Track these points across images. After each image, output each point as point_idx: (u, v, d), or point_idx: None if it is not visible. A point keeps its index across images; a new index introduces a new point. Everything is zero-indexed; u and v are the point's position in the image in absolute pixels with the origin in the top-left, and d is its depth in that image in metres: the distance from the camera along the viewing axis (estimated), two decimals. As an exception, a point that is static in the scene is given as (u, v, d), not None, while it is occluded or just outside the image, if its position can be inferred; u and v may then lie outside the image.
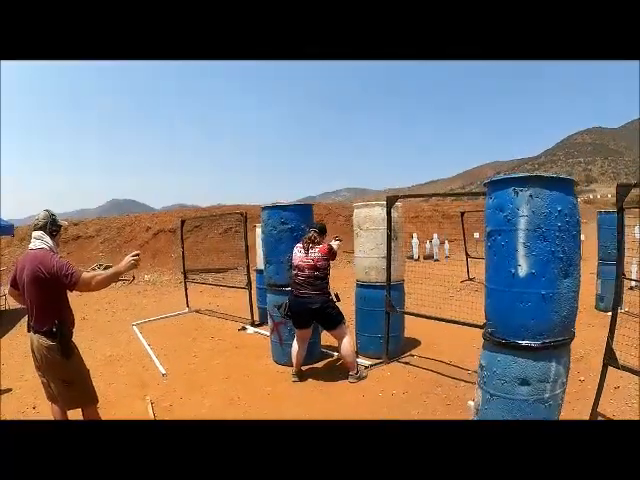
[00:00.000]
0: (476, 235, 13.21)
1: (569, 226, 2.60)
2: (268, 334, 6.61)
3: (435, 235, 18.36)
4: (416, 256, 17.48)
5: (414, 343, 6.00)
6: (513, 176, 2.65)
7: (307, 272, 4.60)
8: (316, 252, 4.63)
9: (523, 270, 2.60)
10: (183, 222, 9.21)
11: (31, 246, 3.06)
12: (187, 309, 8.63)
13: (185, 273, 9.04)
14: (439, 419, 3.86)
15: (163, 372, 5.18)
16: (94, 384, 3.28)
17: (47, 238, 3.07)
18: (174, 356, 5.84)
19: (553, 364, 2.66)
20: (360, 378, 4.77)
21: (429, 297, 5.65)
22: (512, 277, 2.63)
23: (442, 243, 18.35)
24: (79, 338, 6.19)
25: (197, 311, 8.68)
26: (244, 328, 7.23)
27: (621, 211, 3.31)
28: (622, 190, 3.23)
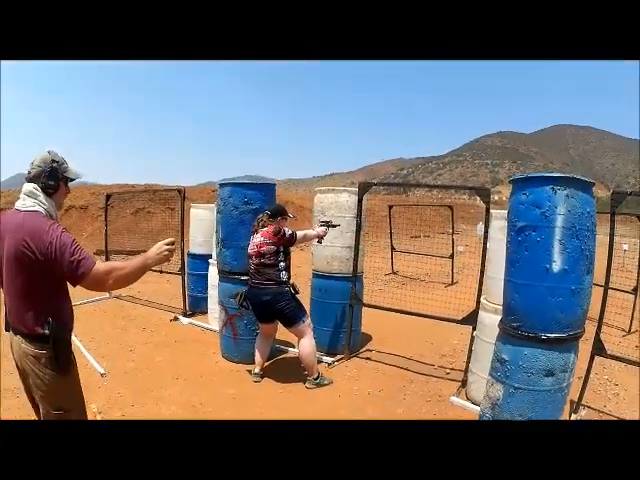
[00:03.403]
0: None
1: (593, 227, 2.89)
2: (204, 325, 6.54)
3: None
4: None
5: (366, 337, 6.13)
6: (551, 175, 2.86)
7: (255, 260, 4.38)
8: (259, 237, 4.37)
9: (557, 266, 2.80)
10: (109, 197, 8.59)
11: (18, 204, 2.17)
12: (107, 294, 8.00)
13: (107, 254, 8.41)
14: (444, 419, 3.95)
15: (102, 372, 4.72)
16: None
17: (42, 197, 2.17)
18: (108, 350, 5.39)
19: (572, 355, 2.95)
20: (320, 385, 4.54)
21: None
22: (546, 272, 2.82)
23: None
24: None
25: (117, 297, 8.09)
26: (176, 318, 6.88)
27: (613, 216, 3.77)
28: (617, 197, 3.70)
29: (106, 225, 8.58)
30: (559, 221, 2.74)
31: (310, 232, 4.71)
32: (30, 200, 2.14)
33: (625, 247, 8.23)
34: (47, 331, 2.11)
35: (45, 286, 2.12)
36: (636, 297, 6.94)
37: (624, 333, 6.59)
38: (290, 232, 4.38)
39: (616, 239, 3.86)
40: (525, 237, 2.86)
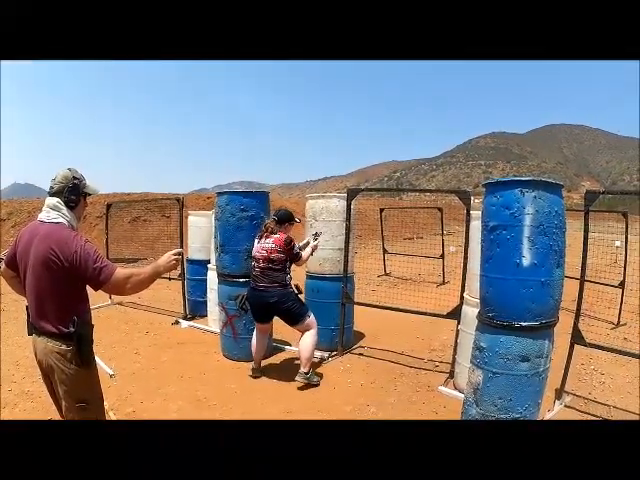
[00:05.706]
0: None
1: (562, 224, 3.20)
2: (204, 327, 6.83)
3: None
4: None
5: (359, 335, 6.45)
6: (520, 179, 3.16)
7: (262, 264, 4.60)
8: (270, 243, 4.60)
9: (527, 261, 3.11)
10: (109, 206, 8.88)
11: (42, 216, 2.41)
12: (109, 301, 8.29)
13: (110, 263, 8.72)
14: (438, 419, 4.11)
15: (111, 373, 4.98)
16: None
17: (65, 210, 2.42)
18: (114, 353, 5.68)
19: (547, 342, 3.24)
20: (309, 381, 4.71)
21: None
22: (517, 267, 3.12)
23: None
24: (5, 333, 5.84)
25: (119, 303, 8.38)
26: (177, 322, 7.19)
27: (587, 215, 4.09)
28: (590, 197, 4.02)
29: (107, 234, 8.87)
30: (527, 220, 3.05)
31: (308, 251, 4.91)
32: (54, 213, 2.38)
33: (617, 244, 8.54)
34: (73, 329, 2.32)
35: (69, 289, 2.35)
36: (623, 291, 7.31)
37: (613, 326, 6.97)
38: (297, 250, 4.66)
39: (609, 237, 4.17)
40: (497, 236, 3.17)
